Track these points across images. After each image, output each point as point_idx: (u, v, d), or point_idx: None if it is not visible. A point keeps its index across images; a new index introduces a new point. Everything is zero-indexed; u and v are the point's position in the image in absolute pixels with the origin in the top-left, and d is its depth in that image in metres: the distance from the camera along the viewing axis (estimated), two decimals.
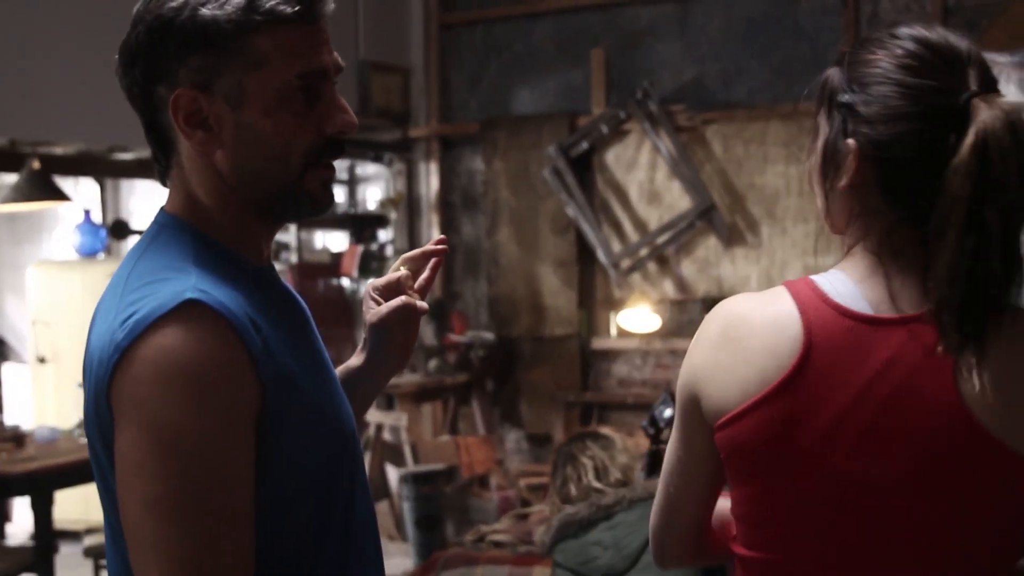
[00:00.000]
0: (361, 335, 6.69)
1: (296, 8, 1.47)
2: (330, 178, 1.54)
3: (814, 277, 1.51)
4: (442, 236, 1.86)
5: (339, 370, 1.77)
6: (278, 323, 1.49)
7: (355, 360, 1.83)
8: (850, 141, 1.46)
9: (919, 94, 1.42)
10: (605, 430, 4.02)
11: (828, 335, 1.45)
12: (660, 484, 1.65)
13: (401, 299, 1.76)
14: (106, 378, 1.39)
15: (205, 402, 1.35)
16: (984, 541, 1.46)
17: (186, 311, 1.37)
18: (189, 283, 1.40)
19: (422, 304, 1.78)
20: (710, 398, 1.52)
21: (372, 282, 1.82)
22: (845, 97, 1.48)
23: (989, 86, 1.44)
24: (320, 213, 1.57)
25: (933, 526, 1.45)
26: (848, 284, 1.48)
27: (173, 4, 1.45)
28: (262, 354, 1.41)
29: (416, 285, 1.82)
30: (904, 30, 1.48)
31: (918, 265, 1.45)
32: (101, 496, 1.50)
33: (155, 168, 1.58)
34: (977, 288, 1.39)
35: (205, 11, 1.44)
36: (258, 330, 1.42)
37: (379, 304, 1.79)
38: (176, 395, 1.34)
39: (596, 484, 3.60)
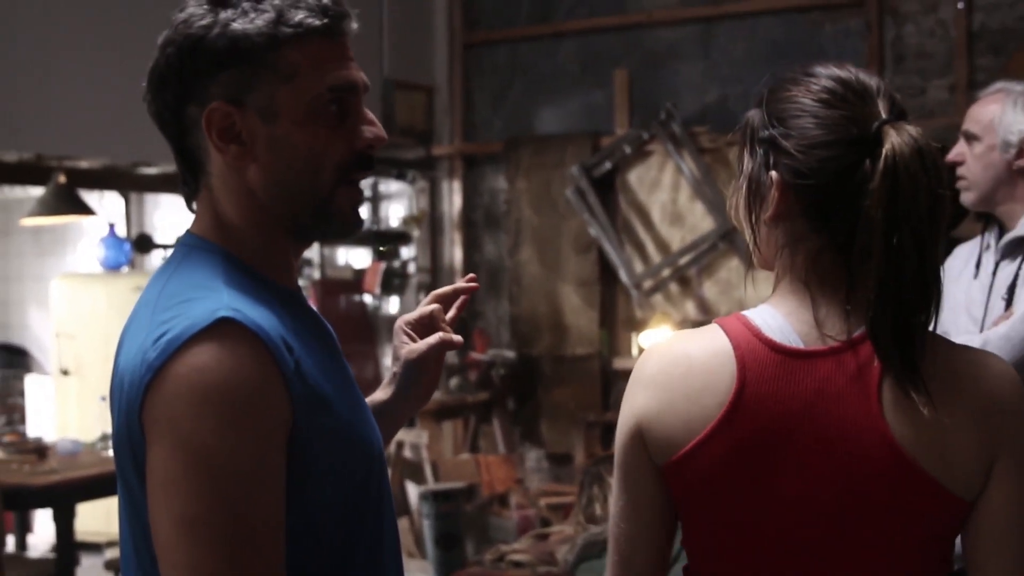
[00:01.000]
0: (382, 351, 6.68)
1: (324, 21, 1.49)
2: (359, 200, 1.56)
3: (746, 312, 1.57)
4: (472, 275, 1.87)
5: (367, 401, 1.76)
6: (308, 345, 1.49)
7: (381, 394, 1.83)
8: (773, 173, 1.52)
9: (834, 124, 1.49)
10: None
11: (760, 369, 1.50)
12: (609, 540, 1.64)
13: (438, 336, 1.78)
14: (138, 398, 1.38)
15: (239, 421, 1.35)
16: (912, 565, 1.51)
17: (220, 329, 1.37)
18: (222, 301, 1.41)
19: (458, 338, 1.79)
20: (656, 438, 1.55)
21: (404, 317, 1.83)
22: (765, 133, 1.54)
23: (899, 115, 1.51)
24: (349, 235, 1.58)
25: (864, 550, 1.50)
26: (778, 318, 1.54)
27: (202, 23, 1.47)
28: (294, 374, 1.42)
29: (446, 319, 1.83)
30: (819, 69, 1.56)
31: (841, 295, 1.51)
32: (123, 514, 1.50)
33: (182, 191, 1.59)
34: (901, 311, 1.45)
35: (236, 26, 1.46)
36: (290, 350, 1.43)
37: (412, 339, 1.80)
38: (210, 414, 1.34)
39: None
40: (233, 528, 1.34)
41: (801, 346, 1.51)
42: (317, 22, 1.49)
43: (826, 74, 1.54)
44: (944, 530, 1.51)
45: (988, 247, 3.12)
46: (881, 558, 1.50)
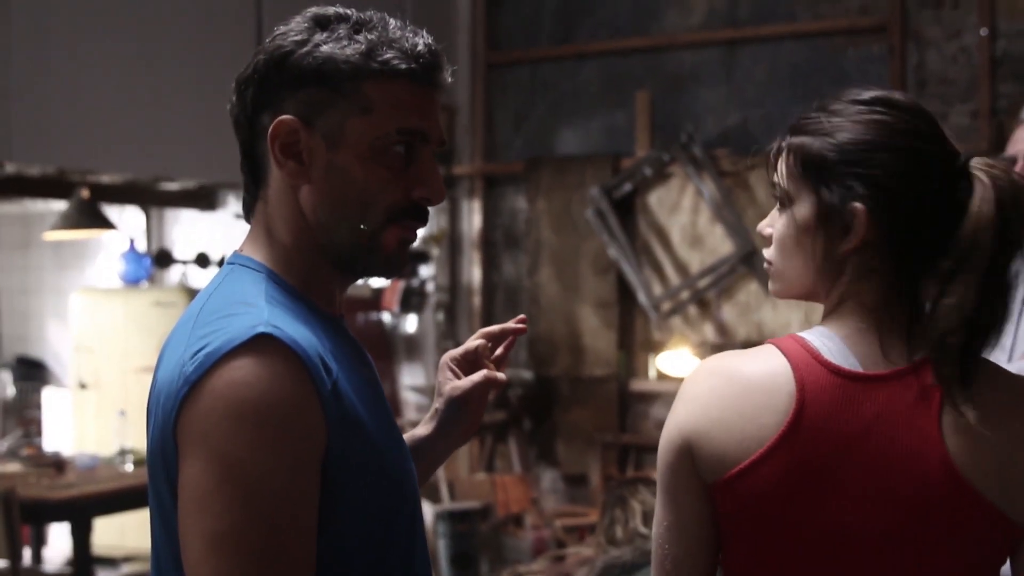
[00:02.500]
0: (399, 369, 6.67)
1: (412, 66, 1.50)
2: (409, 239, 1.56)
3: (802, 334, 1.57)
4: (522, 316, 1.86)
5: (405, 438, 1.73)
6: (347, 370, 1.48)
7: (422, 429, 1.81)
8: (857, 205, 1.52)
9: (922, 158, 1.53)
10: None
11: (819, 392, 1.51)
12: (653, 563, 1.63)
13: (483, 373, 1.76)
14: (174, 411, 1.38)
15: (274, 438, 1.35)
16: None
17: (258, 345, 1.37)
18: (262, 317, 1.40)
19: (502, 376, 1.78)
20: (707, 455, 1.54)
21: (450, 353, 1.81)
22: (840, 167, 1.54)
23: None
24: (391, 274, 1.58)
25: (916, 574, 1.50)
26: (836, 340, 1.55)
27: (296, 38, 1.50)
28: (330, 395, 1.41)
29: (492, 357, 1.81)
30: (874, 94, 1.58)
31: (903, 319, 1.54)
32: (155, 535, 1.49)
33: (243, 201, 1.60)
34: (976, 334, 1.50)
35: (325, 49, 1.49)
36: (328, 371, 1.42)
37: (457, 376, 1.78)
38: (245, 430, 1.34)
39: (643, 529, 3.59)
40: (263, 545, 1.33)
41: (860, 370, 1.52)
42: (404, 66, 1.50)
43: (888, 100, 1.56)
44: (996, 555, 1.53)
45: (1017, 273, 3.11)
46: None
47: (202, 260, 7.56)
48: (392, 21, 1.54)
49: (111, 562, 7.10)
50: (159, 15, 5.63)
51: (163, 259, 7.55)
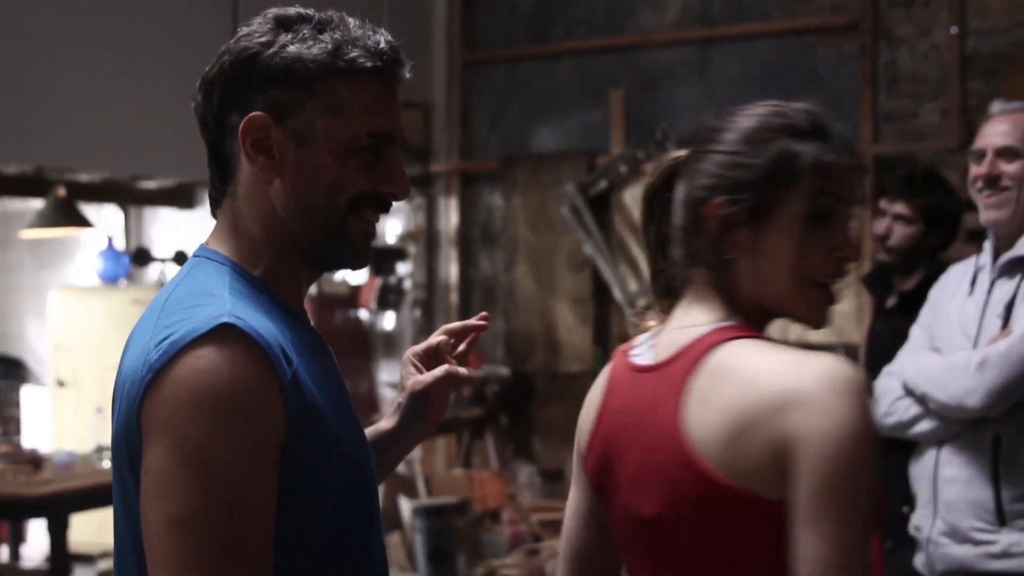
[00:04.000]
0: (377, 367, 6.70)
1: (376, 64, 1.55)
2: (371, 232, 1.61)
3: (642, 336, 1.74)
4: (484, 313, 1.92)
5: (368, 431, 1.79)
6: (307, 360, 1.52)
7: (386, 423, 1.86)
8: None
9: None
10: None
11: (618, 384, 1.68)
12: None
13: (444, 368, 1.82)
14: (137, 398, 1.42)
15: (234, 425, 1.39)
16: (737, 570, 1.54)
17: (221, 334, 1.41)
18: (225, 308, 1.44)
19: (463, 371, 1.83)
20: (577, 444, 1.77)
21: (412, 349, 1.86)
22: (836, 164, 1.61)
23: None
24: (359, 265, 1.62)
25: (690, 559, 1.56)
26: (647, 336, 1.71)
27: (261, 39, 1.54)
28: (290, 384, 1.45)
29: (454, 353, 1.86)
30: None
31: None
32: (118, 520, 1.52)
33: (209, 197, 1.64)
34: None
35: (292, 48, 1.53)
36: (288, 361, 1.46)
37: (419, 370, 1.84)
38: (206, 416, 1.38)
39: None
40: (223, 529, 1.37)
41: (646, 363, 1.65)
42: (369, 64, 1.54)
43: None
44: (758, 537, 1.50)
45: (983, 266, 3.15)
46: (710, 569, 1.54)
47: (180, 258, 7.57)
48: (351, 20, 1.58)
49: (88, 558, 7.11)
50: (136, 14, 5.65)
51: (141, 257, 7.56)
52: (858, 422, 1.43)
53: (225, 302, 1.46)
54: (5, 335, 9.23)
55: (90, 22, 5.46)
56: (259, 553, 1.40)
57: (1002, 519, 2.92)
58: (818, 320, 1.61)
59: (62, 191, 6.33)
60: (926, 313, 3.31)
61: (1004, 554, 2.92)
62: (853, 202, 1.61)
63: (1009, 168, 3.04)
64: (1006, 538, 2.92)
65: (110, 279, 7.75)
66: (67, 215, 6.42)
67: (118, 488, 1.52)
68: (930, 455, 3.11)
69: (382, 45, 1.57)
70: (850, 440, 1.42)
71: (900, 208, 3.98)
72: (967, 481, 2.99)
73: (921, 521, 3.15)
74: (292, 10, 1.58)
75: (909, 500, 3.25)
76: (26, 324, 9.14)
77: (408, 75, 1.61)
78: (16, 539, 6.77)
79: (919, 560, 3.16)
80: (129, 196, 7.35)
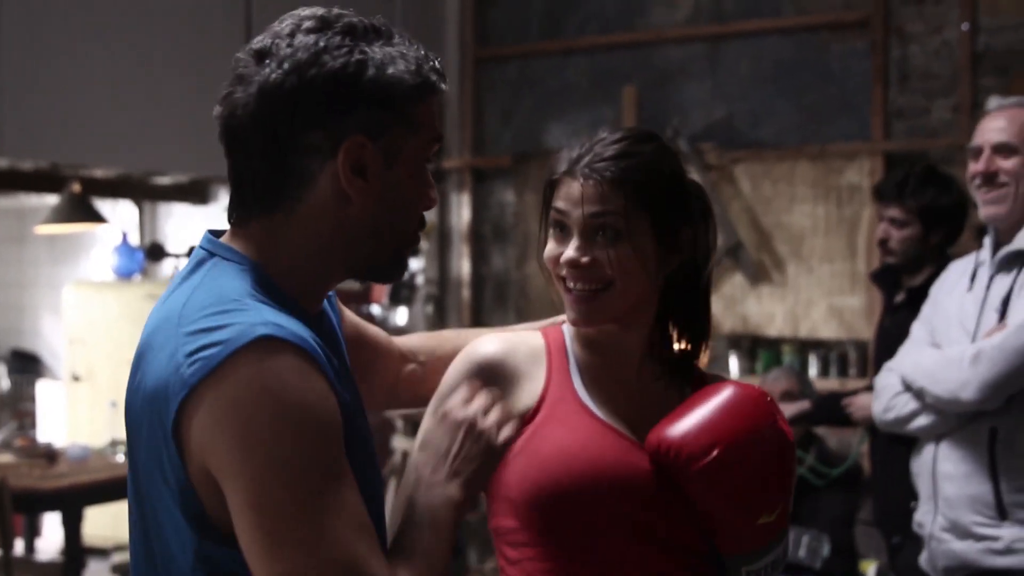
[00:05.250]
0: None
1: (442, 82, 1.55)
2: (417, 249, 1.63)
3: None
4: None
5: None
6: (333, 360, 1.50)
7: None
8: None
9: None
10: None
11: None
12: None
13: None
14: (172, 415, 1.37)
15: (319, 435, 1.38)
16: None
17: (265, 346, 1.36)
18: (260, 317, 1.39)
19: None
20: None
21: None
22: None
23: None
24: (397, 280, 1.62)
25: None
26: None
27: (352, 57, 1.47)
28: (336, 382, 1.44)
29: None
30: None
31: None
32: (135, 529, 1.51)
33: (239, 203, 1.56)
34: None
35: (390, 71, 1.48)
36: (329, 359, 1.45)
37: None
38: (290, 433, 1.36)
39: None
40: (348, 551, 1.37)
41: None
42: (442, 84, 1.54)
43: None
44: None
45: (983, 262, 3.16)
46: None
47: None
48: (394, 31, 1.54)
49: (102, 552, 7.16)
50: (150, 10, 5.68)
51: (155, 252, 7.59)
52: None
53: (258, 310, 1.41)
54: (21, 330, 9.28)
55: (105, 19, 5.49)
56: (377, 556, 1.42)
57: (1002, 513, 2.93)
58: None
59: (77, 187, 6.38)
60: (927, 309, 3.32)
61: (1008, 550, 2.93)
62: None
63: (1006, 164, 3.06)
64: (1008, 533, 2.93)
65: (125, 274, 7.79)
66: (82, 211, 6.47)
67: (136, 500, 1.49)
68: (928, 451, 3.13)
69: (435, 60, 1.55)
70: None
71: (894, 212, 4.00)
72: (965, 476, 3.00)
73: (923, 517, 3.16)
74: (355, 18, 1.51)
75: (915, 495, 3.26)
76: (41, 319, 9.19)
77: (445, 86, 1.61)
78: (31, 532, 6.81)
79: (923, 557, 3.17)
80: (143, 192, 7.38)
